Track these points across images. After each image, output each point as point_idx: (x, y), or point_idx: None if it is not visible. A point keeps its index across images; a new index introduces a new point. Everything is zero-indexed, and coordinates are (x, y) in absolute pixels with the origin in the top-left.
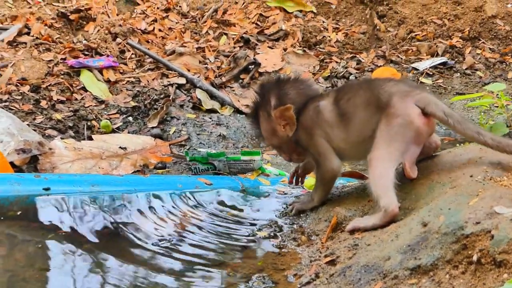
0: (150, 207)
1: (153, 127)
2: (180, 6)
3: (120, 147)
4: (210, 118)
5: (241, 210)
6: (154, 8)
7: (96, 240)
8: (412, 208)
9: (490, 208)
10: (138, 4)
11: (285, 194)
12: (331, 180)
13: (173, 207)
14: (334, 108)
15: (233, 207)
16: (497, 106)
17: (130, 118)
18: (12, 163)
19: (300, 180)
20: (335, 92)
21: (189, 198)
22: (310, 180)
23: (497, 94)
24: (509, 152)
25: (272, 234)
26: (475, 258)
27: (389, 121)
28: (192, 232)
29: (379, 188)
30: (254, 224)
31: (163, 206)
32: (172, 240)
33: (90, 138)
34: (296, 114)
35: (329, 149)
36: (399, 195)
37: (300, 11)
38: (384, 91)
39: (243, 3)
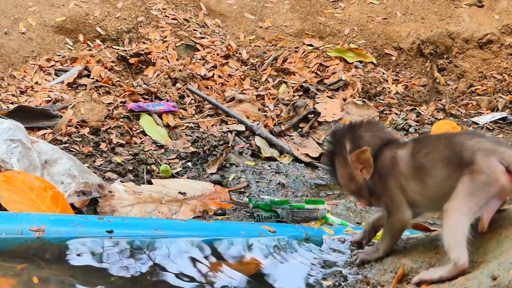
0: (211, 253)
1: (212, 173)
2: (240, 53)
3: (179, 192)
4: (269, 166)
5: (305, 259)
6: (214, 54)
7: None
8: (480, 261)
9: None
10: (198, 50)
11: (347, 241)
12: (400, 231)
13: (235, 253)
14: (411, 160)
15: (296, 256)
16: None
17: (189, 164)
18: (72, 205)
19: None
20: (413, 143)
21: (252, 245)
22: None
23: None
24: None
25: (337, 283)
26: None
27: (473, 177)
28: (252, 280)
29: (452, 240)
30: (318, 273)
31: (224, 252)
32: (234, 287)
33: (149, 182)
34: (373, 157)
35: (402, 199)
36: (468, 249)
37: (360, 61)
38: (466, 149)
39: (303, 52)
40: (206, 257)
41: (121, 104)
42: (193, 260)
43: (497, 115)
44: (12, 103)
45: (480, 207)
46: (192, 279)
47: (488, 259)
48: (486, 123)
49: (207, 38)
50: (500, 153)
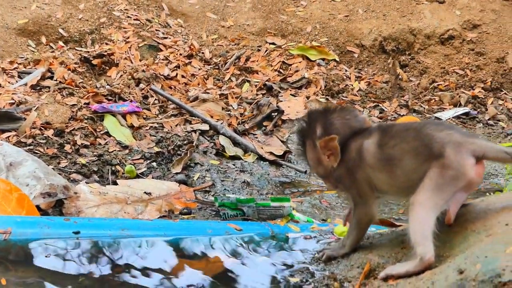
0: (178, 252)
1: (177, 173)
2: (202, 53)
3: (145, 192)
4: (234, 164)
5: (271, 257)
6: (176, 54)
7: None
8: (447, 255)
9: None
10: (161, 50)
11: (313, 238)
12: (366, 225)
13: (202, 252)
14: (378, 152)
15: (262, 253)
16: None
17: (154, 164)
18: (38, 207)
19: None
20: (379, 132)
21: (218, 244)
22: (339, 227)
23: None
24: None
25: (304, 280)
26: None
27: (441, 172)
28: (221, 278)
29: (418, 235)
30: (285, 270)
31: (191, 250)
32: (201, 286)
33: (114, 183)
34: (341, 145)
35: (369, 192)
36: (435, 242)
37: (323, 59)
38: (436, 141)
39: (266, 51)
40: (172, 256)
41: (85, 106)
42: (160, 260)
43: (460, 110)
44: None
45: (447, 201)
46: (159, 279)
47: (454, 253)
48: (448, 118)
49: (170, 38)
50: (470, 144)
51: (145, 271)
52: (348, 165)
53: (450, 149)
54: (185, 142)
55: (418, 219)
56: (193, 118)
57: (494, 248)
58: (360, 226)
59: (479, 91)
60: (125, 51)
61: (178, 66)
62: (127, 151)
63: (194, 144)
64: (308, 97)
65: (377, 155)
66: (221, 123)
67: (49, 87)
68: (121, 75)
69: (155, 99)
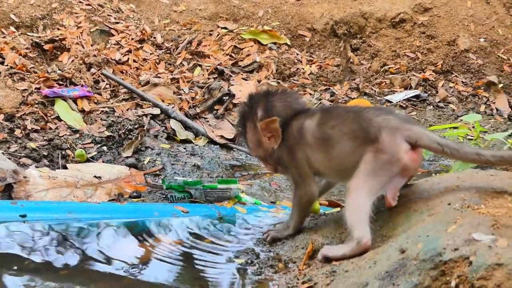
0: (125, 234)
1: (127, 157)
2: (154, 38)
3: (94, 176)
4: (185, 148)
5: (218, 238)
6: (128, 39)
7: (68, 268)
8: (390, 235)
9: (468, 235)
10: (113, 35)
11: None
12: (306, 205)
13: (149, 234)
14: (317, 131)
15: (209, 235)
16: (472, 138)
17: (105, 148)
18: None
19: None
20: (320, 113)
21: (165, 226)
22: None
23: (473, 125)
24: None
25: (249, 261)
26: (453, 284)
27: (376, 156)
28: (168, 260)
29: (354, 219)
30: (231, 252)
31: (138, 233)
32: (144, 267)
33: (64, 167)
34: (282, 127)
35: (308, 172)
36: (377, 222)
37: (275, 43)
38: (373, 125)
39: (218, 35)
40: (119, 239)
41: (35, 90)
42: (107, 242)
43: (410, 93)
44: None
45: (383, 186)
46: (105, 261)
47: (397, 233)
48: (399, 101)
49: (122, 23)
50: (406, 130)
51: (90, 254)
52: (288, 145)
53: (386, 134)
54: (136, 126)
55: (354, 203)
56: (144, 102)
57: (435, 228)
58: (301, 206)
59: (430, 74)
60: (77, 36)
61: (129, 51)
62: (77, 135)
63: (145, 128)
64: (259, 81)
65: (316, 134)
66: (172, 107)
67: (0, 72)
68: (73, 60)
69: (107, 84)
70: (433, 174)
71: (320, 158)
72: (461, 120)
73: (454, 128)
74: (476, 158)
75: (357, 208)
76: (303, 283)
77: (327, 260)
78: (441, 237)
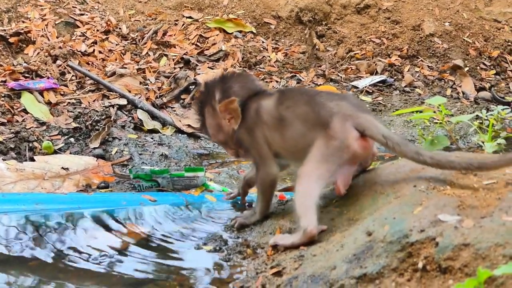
0: (93, 224)
1: (95, 148)
2: (120, 28)
3: (62, 168)
4: (152, 138)
5: (186, 226)
6: (93, 30)
7: (38, 260)
8: (356, 218)
9: (434, 216)
10: (78, 27)
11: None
12: (270, 187)
13: (117, 223)
14: (273, 111)
15: (177, 223)
16: (437, 121)
17: (72, 139)
18: None
19: (244, 193)
20: (278, 94)
21: (133, 215)
22: None
23: (438, 108)
24: (450, 168)
25: (217, 248)
26: (420, 265)
27: (326, 142)
28: (136, 248)
29: (301, 207)
30: (199, 239)
31: (106, 223)
32: (113, 257)
33: (32, 159)
34: (241, 107)
35: (268, 154)
36: (344, 206)
37: (240, 31)
38: (325, 110)
39: (183, 25)
40: (87, 229)
41: (1, 83)
42: (75, 233)
43: (376, 78)
44: None
45: (332, 173)
46: (73, 251)
47: (363, 216)
48: (365, 87)
49: (87, 15)
50: (357, 118)
51: (57, 244)
52: (247, 125)
53: (336, 120)
54: (103, 117)
55: (302, 191)
56: (111, 93)
57: (402, 210)
58: (264, 189)
59: (396, 59)
60: (42, 29)
61: (95, 42)
62: (44, 127)
63: (112, 119)
64: (225, 70)
65: (273, 113)
66: (139, 97)
67: None
68: (38, 53)
69: (73, 75)
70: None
71: (276, 139)
72: (426, 103)
73: (419, 111)
74: (415, 156)
75: (304, 196)
76: (272, 268)
77: (275, 247)
78: (407, 219)
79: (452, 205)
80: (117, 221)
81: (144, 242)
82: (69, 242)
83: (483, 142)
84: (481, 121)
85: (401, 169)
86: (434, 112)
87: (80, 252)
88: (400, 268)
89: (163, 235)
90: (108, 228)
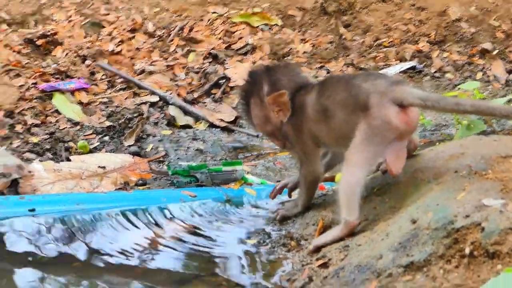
0: (135, 222)
1: (130, 145)
2: (146, 26)
3: (99, 167)
4: (186, 133)
5: (228, 220)
6: (120, 29)
7: (80, 260)
8: (399, 207)
9: (478, 201)
10: (104, 27)
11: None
12: (313, 183)
13: (159, 221)
14: (316, 104)
15: (219, 218)
16: None
17: (106, 138)
18: None
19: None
20: (318, 85)
21: (174, 211)
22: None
23: (472, 92)
24: (490, 114)
25: (261, 241)
26: (467, 251)
27: (367, 123)
28: (180, 244)
29: (345, 197)
30: (242, 233)
31: (148, 219)
32: (157, 254)
33: (68, 159)
34: (289, 100)
35: (313, 151)
36: (386, 194)
37: (266, 24)
38: (361, 91)
39: (209, 20)
40: (129, 228)
41: (32, 86)
42: (118, 232)
43: (406, 65)
44: None
45: (379, 153)
46: (119, 251)
47: (406, 203)
48: (396, 74)
49: (112, 14)
50: (392, 92)
51: (102, 243)
52: (294, 120)
53: (374, 99)
54: (135, 115)
55: (347, 179)
56: (142, 90)
57: (445, 196)
58: (307, 185)
59: (424, 45)
60: (69, 30)
61: (122, 41)
62: (78, 127)
63: (144, 116)
64: (254, 63)
65: (316, 107)
66: (170, 94)
67: None
68: (67, 54)
69: (102, 75)
70: (438, 144)
71: (323, 131)
72: (459, 88)
73: (454, 96)
74: (456, 108)
75: (349, 185)
76: (317, 259)
77: (318, 249)
78: (451, 205)
79: (495, 189)
80: (157, 218)
81: (187, 238)
82: (112, 240)
83: None
84: None
85: (440, 155)
86: (468, 96)
87: (124, 250)
88: (447, 255)
89: (205, 231)
90: (148, 225)
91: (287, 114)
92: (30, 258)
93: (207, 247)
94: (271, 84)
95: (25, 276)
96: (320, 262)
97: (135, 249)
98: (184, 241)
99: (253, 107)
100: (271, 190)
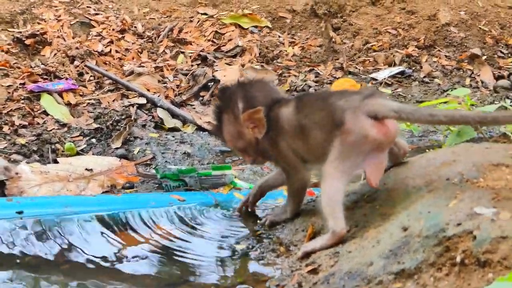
0: (123, 225)
1: (117, 148)
2: (135, 27)
3: (86, 169)
4: (173, 136)
5: (216, 225)
6: (109, 29)
7: (69, 263)
8: (390, 213)
9: (470, 209)
10: (93, 27)
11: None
12: (301, 191)
13: (148, 225)
14: (294, 120)
15: (208, 222)
16: None
17: (94, 140)
18: None
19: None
20: (295, 102)
21: (163, 216)
22: None
23: (463, 99)
24: (464, 123)
25: (250, 246)
26: (458, 259)
27: (343, 139)
28: (168, 248)
29: (328, 208)
30: (231, 238)
31: (137, 224)
32: (145, 257)
33: (55, 161)
34: (265, 116)
35: (295, 160)
36: (376, 201)
37: (255, 26)
38: (336, 109)
39: (198, 21)
40: (117, 231)
41: (20, 86)
42: (105, 235)
43: (395, 70)
44: None
45: (356, 166)
46: (105, 254)
47: (397, 210)
48: (384, 78)
49: (102, 14)
50: (365, 105)
51: (91, 247)
52: (270, 135)
53: (348, 115)
54: (123, 117)
55: (327, 192)
56: (130, 92)
57: (436, 203)
58: (295, 193)
59: (413, 50)
60: (58, 30)
61: (111, 42)
62: (65, 129)
63: (132, 118)
64: (243, 65)
65: (292, 123)
66: (158, 96)
67: None
68: (55, 54)
69: (91, 76)
70: (427, 150)
71: (300, 146)
72: (448, 94)
73: (445, 103)
74: (430, 119)
75: (329, 197)
76: (307, 265)
77: (308, 255)
78: (442, 213)
79: (487, 197)
80: (146, 221)
81: (176, 242)
82: (100, 243)
83: (511, 132)
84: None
85: (431, 162)
86: (459, 103)
87: (112, 254)
88: (438, 263)
89: (193, 235)
90: (137, 229)
91: (262, 131)
92: (18, 260)
93: (196, 252)
94: (246, 101)
95: (12, 278)
96: (310, 268)
97: (122, 252)
98: (172, 245)
99: (226, 123)
100: None
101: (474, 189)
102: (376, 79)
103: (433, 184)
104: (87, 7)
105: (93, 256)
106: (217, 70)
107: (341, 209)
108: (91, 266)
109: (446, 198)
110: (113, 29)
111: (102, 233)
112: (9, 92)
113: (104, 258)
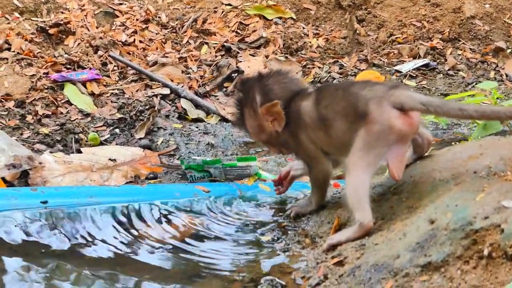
0: (148, 217)
1: (140, 138)
2: (159, 17)
3: (109, 159)
4: (197, 127)
5: (241, 217)
6: (133, 19)
7: (94, 254)
8: (416, 206)
9: (497, 202)
10: (117, 16)
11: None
12: (324, 182)
13: (173, 215)
14: (313, 112)
15: (233, 213)
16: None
17: (117, 130)
18: (3, 179)
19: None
20: (315, 93)
21: (188, 206)
22: None
23: (490, 92)
24: (496, 118)
25: (275, 238)
26: (486, 252)
27: (368, 129)
28: (194, 240)
29: (354, 200)
30: (256, 229)
31: (162, 214)
32: (170, 249)
33: (78, 151)
34: (283, 109)
35: (317, 152)
36: (402, 193)
37: (280, 17)
38: (359, 99)
39: (222, 12)
40: (143, 222)
41: (44, 75)
42: (131, 225)
43: (419, 62)
44: None
45: (380, 157)
46: (130, 244)
47: (424, 203)
48: (409, 71)
49: (125, 4)
50: (391, 96)
51: (116, 237)
52: (291, 128)
53: (373, 105)
54: (146, 107)
55: (352, 183)
56: (154, 82)
57: (463, 197)
58: (319, 185)
59: (437, 42)
60: (81, 19)
61: (135, 32)
62: (89, 118)
63: (156, 108)
64: (267, 56)
65: (313, 115)
66: (182, 86)
67: (7, 58)
68: (79, 43)
69: (114, 66)
70: (452, 143)
71: (321, 138)
72: (472, 87)
73: (471, 96)
74: (459, 113)
75: (355, 189)
76: (333, 257)
77: (333, 247)
78: (470, 206)
79: None
80: (171, 212)
81: (202, 234)
82: (124, 234)
83: None
84: None
85: (458, 155)
86: (486, 96)
87: (136, 245)
88: (465, 256)
89: (218, 227)
90: (162, 220)
91: (281, 123)
92: (43, 249)
93: (221, 243)
94: (264, 94)
95: (37, 267)
96: (336, 260)
97: (147, 244)
98: (198, 237)
99: (247, 117)
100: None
101: (501, 182)
102: (400, 72)
103: (460, 177)
104: None
105: (115, 247)
106: (241, 61)
107: (368, 201)
108: (113, 256)
109: (473, 191)
110: (137, 19)
111: (123, 223)
112: (32, 82)
113: (129, 249)
